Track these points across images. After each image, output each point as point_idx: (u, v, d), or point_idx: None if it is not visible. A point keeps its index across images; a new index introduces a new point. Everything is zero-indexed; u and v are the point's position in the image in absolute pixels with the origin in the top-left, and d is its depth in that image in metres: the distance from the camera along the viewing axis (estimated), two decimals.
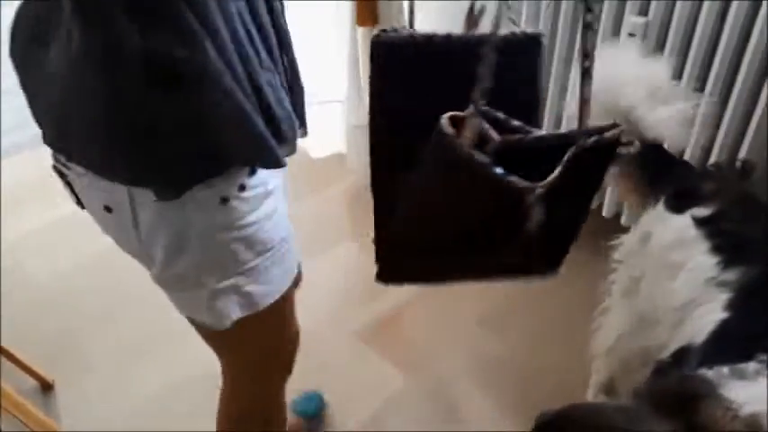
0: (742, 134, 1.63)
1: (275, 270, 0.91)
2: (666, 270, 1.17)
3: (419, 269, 0.89)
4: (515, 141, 0.70)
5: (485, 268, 0.85)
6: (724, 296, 1.03)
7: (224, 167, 0.80)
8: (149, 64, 0.71)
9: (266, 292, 0.92)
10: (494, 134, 0.70)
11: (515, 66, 0.83)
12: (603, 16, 1.68)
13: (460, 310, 1.94)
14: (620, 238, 1.43)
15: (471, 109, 0.67)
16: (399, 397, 1.70)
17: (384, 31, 0.84)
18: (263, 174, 0.85)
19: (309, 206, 2.37)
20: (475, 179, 0.64)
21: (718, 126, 1.66)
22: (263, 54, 0.80)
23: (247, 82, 0.77)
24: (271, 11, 0.83)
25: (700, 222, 1.14)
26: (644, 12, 1.64)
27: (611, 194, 1.92)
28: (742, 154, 1.61)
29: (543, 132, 0.73)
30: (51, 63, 0.77)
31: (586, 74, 0.74)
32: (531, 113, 0.85)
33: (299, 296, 1.08)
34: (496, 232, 0.72)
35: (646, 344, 1.20)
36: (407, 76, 0.84)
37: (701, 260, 1.10)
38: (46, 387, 1.67)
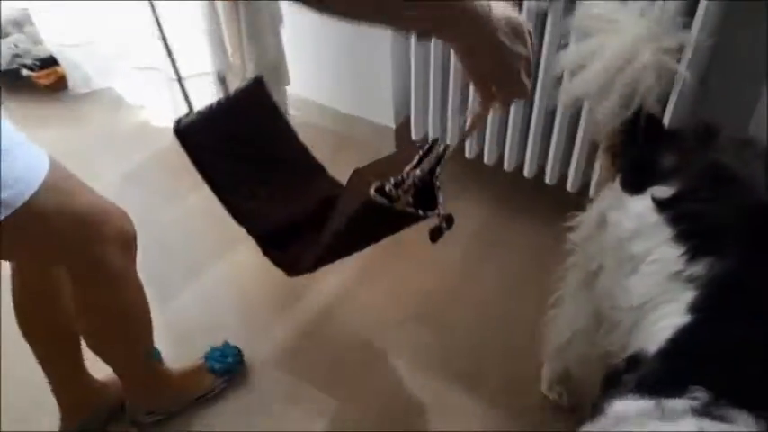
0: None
1: (10, 174, 0.96)
2: (627, 264, 0.99)
3: (335, 258, 1.14)
4: (413, 185, 0.95)
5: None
6: (689, 294, 0.86)
7: None
8: None
9: (12, 194, 0.97)
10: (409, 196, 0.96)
11: (258, 106, 1.24)
12: None
13: (388, 310, 1.75)
14: (577, 217, 1.24)
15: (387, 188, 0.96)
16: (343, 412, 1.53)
17: (178, 120, 1.13)
18: None
19: (196, 202, 2.01)
20: (409, 218, 0.97)
21: None
22: None
23: None
24: None
25: (661, 205, 0.96)
26: None
27: (576, 167, 1.76)
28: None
29: (420, 170, 0.99)
30: None
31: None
32: (290, 133, 1.27)
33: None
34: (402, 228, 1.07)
35: (604, 347, 1.04)
36: (214, 140, 1.16)
37: (664, 251, 0.92)
38: None
